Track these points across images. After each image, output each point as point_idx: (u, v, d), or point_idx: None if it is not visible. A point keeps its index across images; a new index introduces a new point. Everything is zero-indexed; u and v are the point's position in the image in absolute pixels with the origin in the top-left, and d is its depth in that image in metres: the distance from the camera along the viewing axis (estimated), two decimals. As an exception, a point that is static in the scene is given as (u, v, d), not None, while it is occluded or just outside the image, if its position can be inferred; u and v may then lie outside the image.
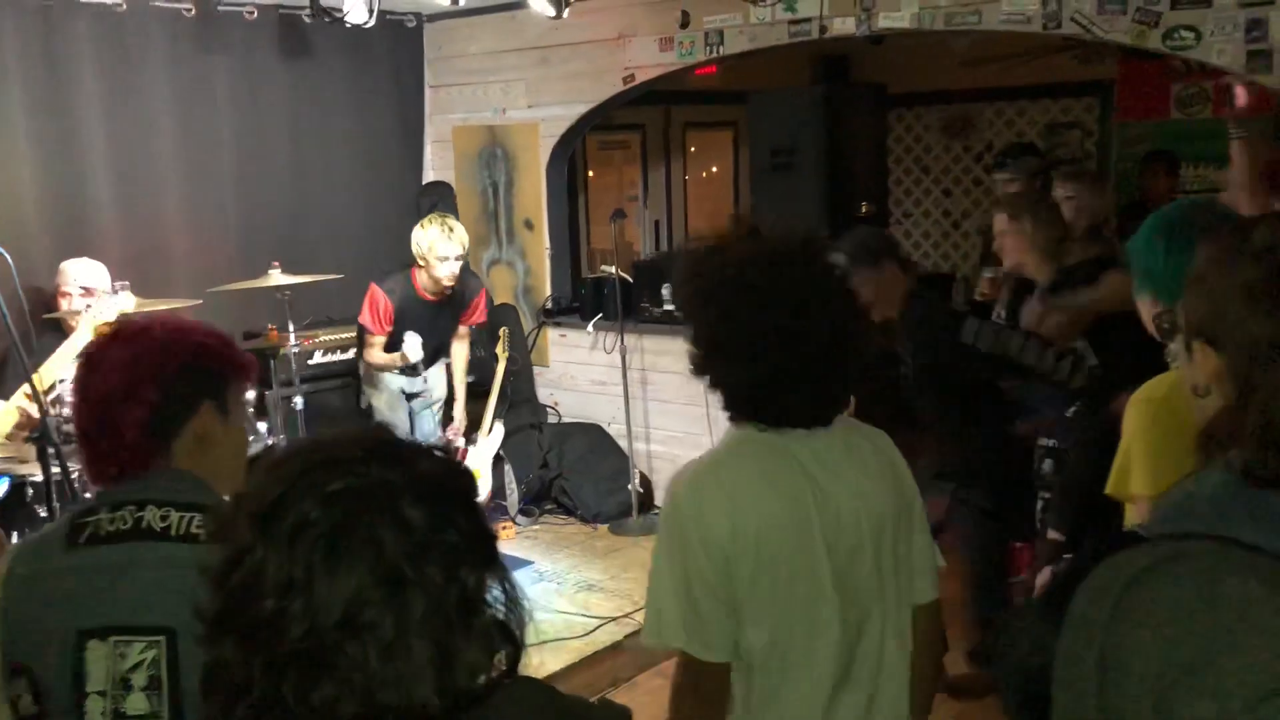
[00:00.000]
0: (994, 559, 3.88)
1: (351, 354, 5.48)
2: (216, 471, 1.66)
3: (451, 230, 4.83)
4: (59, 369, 3.66)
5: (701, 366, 1.73)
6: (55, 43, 4.78)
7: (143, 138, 5.09)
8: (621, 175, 7.60)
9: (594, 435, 6.00)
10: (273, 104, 5.57)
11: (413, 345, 4.87)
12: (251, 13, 5.33)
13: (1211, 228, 1.96)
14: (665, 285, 5.84)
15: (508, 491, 5.79)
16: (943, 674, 2.14)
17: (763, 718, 1.71)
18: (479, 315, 5.32)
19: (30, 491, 3.74)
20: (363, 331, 5.07)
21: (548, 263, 6.21)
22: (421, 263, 4.88)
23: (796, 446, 1.71)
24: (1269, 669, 0.59)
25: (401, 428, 4.97)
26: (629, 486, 5.67)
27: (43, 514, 3.59)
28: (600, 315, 5.90)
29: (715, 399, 1.76)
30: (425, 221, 4.89)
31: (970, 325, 3.56)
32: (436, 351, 5.20)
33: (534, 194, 6.10)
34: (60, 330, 4.06)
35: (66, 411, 3.39)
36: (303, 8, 5.23)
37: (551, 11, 5.06)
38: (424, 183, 6.33)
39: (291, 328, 4.75)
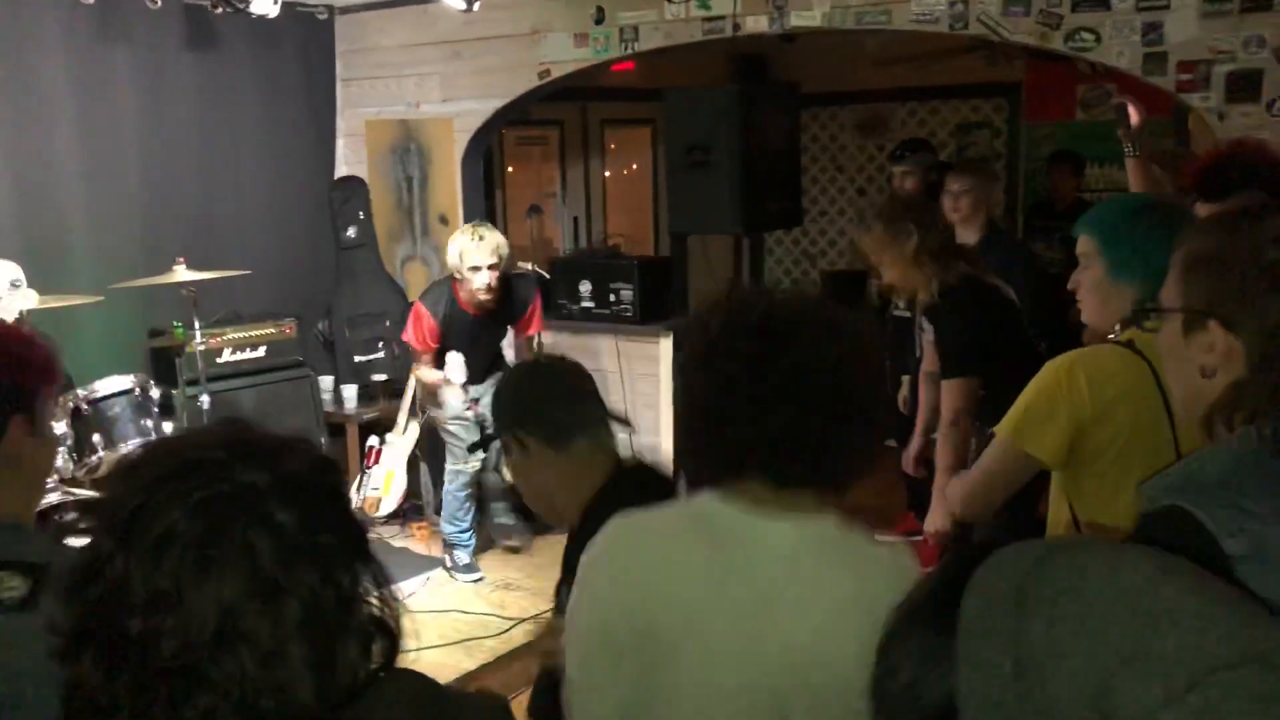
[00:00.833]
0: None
1: (263, 351, 5.37)
2: (30, 489, 1.51)
3: (482, 238, 4.59)
4: None
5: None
6: (-59, 28, 4.60)
7: (40, 129, 4.90)
8: (540, 172, 7.55)
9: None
10: (178, 96, 5.41)
11: (455, 365, 4.60)
12: (155, 1, 5.18)
13: (1191, 218, 2.11)
14: (583, 282, 5.81)
15: (424, 491, 5.73)
16: None
17: None
18: (536, 325, 5.03)
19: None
20: (410, 350, 4.90)
21: (463, 259, 6.15)
22: (457, 275, 4.66)
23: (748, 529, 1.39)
24: (1203, 647, 0.60)
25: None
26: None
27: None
28: (517, 312, 5.85)
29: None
30: (457, 231, 4.70)
31: None
32: (489, 368, 4.85)
33: (449, 189, 6.03)
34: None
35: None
36: (208, -3, 5.11)
37: (463, 5, 5.02)
38: (336, 177, 6.22)
39: (197, 325, 4.64)
